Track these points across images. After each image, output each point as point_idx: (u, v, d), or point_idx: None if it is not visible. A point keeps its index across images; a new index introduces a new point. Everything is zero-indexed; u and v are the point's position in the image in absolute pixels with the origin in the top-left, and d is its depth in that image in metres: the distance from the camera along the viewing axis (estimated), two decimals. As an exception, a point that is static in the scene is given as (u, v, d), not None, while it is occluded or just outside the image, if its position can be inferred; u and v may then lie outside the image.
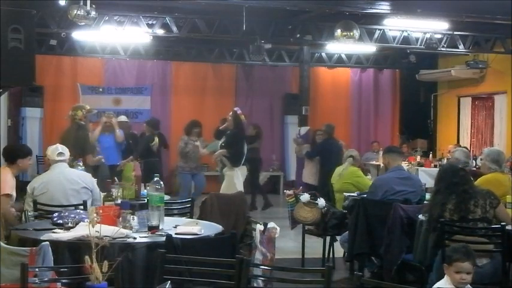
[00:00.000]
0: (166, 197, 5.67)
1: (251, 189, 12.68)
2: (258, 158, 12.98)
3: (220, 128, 10.05)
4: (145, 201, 5.06)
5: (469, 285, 3.97)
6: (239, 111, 9.74)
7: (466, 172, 5.60)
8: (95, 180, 6.25)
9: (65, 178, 5.95)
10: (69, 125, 9.16)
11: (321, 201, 7.40)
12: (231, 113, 9.79)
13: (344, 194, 7.73)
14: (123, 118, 11.62)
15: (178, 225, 4.93)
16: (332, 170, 8.69)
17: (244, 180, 9.67)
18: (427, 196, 6.47)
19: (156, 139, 11.17)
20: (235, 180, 9.32)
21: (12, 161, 6.15)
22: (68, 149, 6.28)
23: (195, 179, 11.19)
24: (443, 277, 4.04)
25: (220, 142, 9.73)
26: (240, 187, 9.13)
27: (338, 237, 7.42)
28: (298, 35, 12.46)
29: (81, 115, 8.63)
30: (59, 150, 6.14)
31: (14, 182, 6.13)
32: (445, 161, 12.04)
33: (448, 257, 4.03)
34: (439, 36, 12.68)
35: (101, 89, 15.19)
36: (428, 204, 5.57)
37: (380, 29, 12.37)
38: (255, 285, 4.42)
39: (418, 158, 13.18)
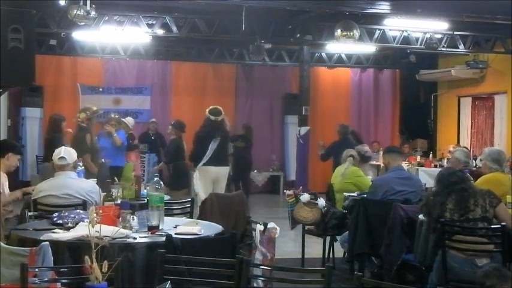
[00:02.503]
0: (166, 197, 5.66)
1: (236, 188, 12.63)
2: (244, 157, 12.89)
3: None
4: (145, 201, 5.05)
5: None
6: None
7: (464, 173, 5.60)
8: (97, 192, 5.85)
9: (65, 193, 5.68)
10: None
11: (321, 201, 7.40)
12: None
13: (344, 194, 7.72)
14: (131, 121, 11.36)
15: (178, 225, 4.92)
16: None
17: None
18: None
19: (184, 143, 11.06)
20: (193, 181, 9.04)
21: (1, 155, 6.06)
22: (73, 153, 5.99)
23: None
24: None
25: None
26: (197, 189, 8.89)
27: (338, 237, 7.41)
28: (298, 35, 12.46)
29: (83, 117, 8.56)
30: (60, 154, 5.77)
31: (6, 179, 6.08)
32: (445, 161, 12.04)
33: (481, 284, 3.48)
34: (439, 36, 12.69)
35: (100, 89, 15.20)
36: (424, 204, 5.53)
37: (380, 29, 12.37)
38: (255, 285, 4.41)
39: (418, 158, 13.20)
